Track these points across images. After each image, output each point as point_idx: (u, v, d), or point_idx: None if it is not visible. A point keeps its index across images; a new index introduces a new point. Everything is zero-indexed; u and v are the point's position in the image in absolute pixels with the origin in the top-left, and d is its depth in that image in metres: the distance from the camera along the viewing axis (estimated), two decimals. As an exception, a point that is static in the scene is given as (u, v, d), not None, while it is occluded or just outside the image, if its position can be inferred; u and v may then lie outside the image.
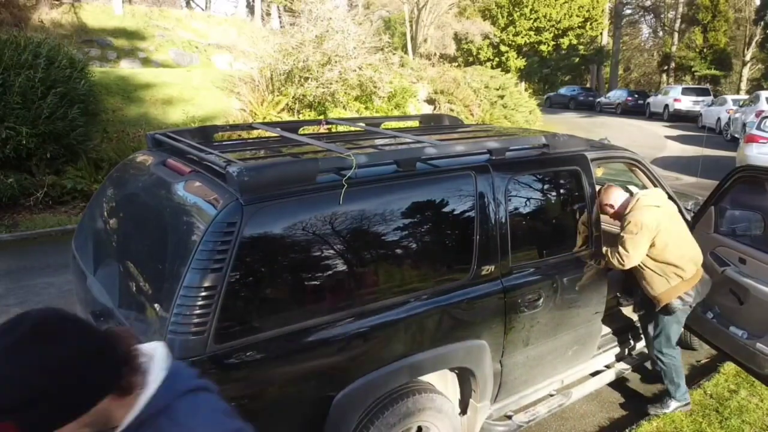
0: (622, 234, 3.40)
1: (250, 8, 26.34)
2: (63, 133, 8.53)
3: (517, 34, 28.88)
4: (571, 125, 21.68)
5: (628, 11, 41.15)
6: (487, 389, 2.98)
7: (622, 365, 3.93)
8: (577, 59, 34.31)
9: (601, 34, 33.75)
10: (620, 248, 3.37)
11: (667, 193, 4.00)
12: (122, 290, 2.54)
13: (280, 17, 22.16)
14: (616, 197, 3.57)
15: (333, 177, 2.46)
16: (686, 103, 25.03)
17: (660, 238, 3.35)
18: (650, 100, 28.37)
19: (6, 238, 7.33)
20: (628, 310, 4.11)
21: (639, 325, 4.01)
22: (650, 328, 3.78)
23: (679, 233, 3.47)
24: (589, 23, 29.85)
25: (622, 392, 4.06)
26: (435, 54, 24.09)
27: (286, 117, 12.19)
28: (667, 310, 3.50)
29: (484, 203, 2.87)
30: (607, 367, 3.88)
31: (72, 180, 8.56)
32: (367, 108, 13.35)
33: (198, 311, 2.08)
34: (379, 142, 3.37)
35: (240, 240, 2.16)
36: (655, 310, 3.57)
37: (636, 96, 30.35)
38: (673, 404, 3.68)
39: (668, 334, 3.58)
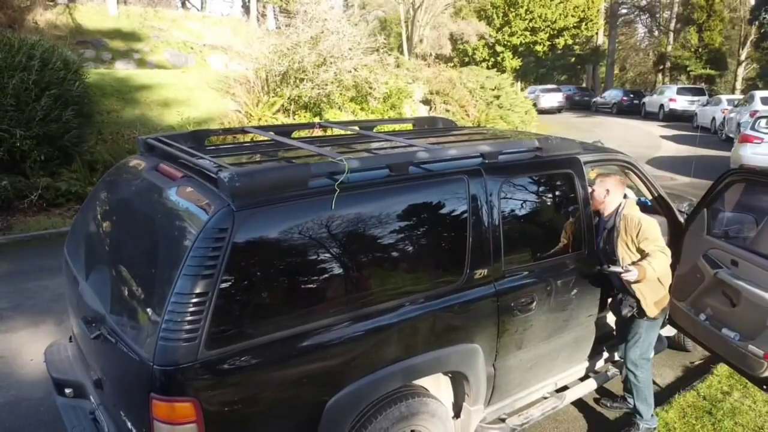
0: (646, 237, 3.23)
1: (246, 9, 26.30)
2: (57, 135, 8.51)
3: (512, 35, 28.87)
4: (566, 125, 21.73)
5: (624, 11, 41.20)
6: (480, 393, 2.99)
7: (615, 368, 3.93)
8: (573, 59, 34.37)
9: (596, 33, 33.80)
10: (657, 250, 3.19)
11: (661, 194, 4.02)
12: (114, 296, 2.53)
13: (275, 18, 22.13)
14: (614, 187, 3.43)
15: (325, 182, 2.46)
16: (682, 103, 25.12)
17: None
18: (646, 99, 28.46)
19: (0, 240, 7.30)
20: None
21: (617, 332, 3.78)
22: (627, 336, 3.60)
23: None
24: (584, 23, 29.87)
25: (616, 394, 4.06)
26: (431, 54, 24.08)
27: (281, 118, 12.19)
28: (652, 318, 3.42)
29: (477, 207, 2.87)
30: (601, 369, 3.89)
31: (66, 182, 8.54)
32: (362, 109, 13.35)
33: (189, 317, 2.08)
34: (371, 145, 3.37)
35: (231, 246, 2.16)
36: (639, 317, 3.41)
37: (631, 96, 30.42)
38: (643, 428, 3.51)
39: (649, 341, 3.47)
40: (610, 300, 3.54)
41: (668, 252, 3.27)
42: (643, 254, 3.24)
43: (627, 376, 3.57)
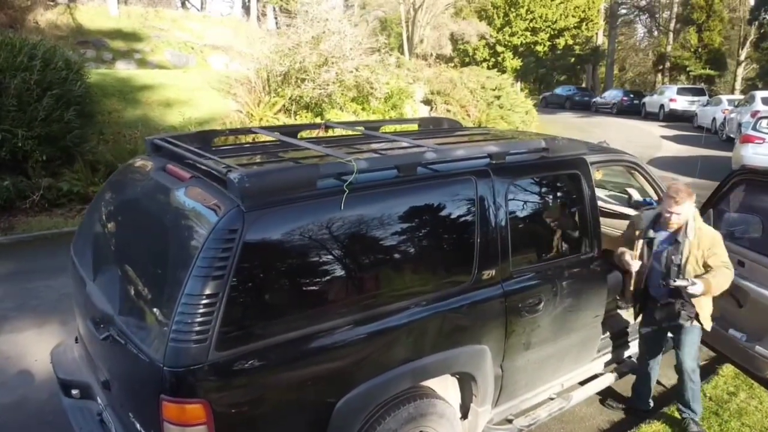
0: (716, 252, 3.27)
1: (246, 9, 26.24)
2: (59, 136, 8.49)
3: (513, 35, 28.86)
4: (566, 125, 21.72)
5: (624, 11, 41.19)
6: (488, 393, 2.98)
7: (621, 369, 3.93)
8: (573, 59, 34.34)
9: (596, 34, 33.79)
10: (723, 266, 3.25)
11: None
12: (123, 297, 2.52)
13: (276, 18, 22.10)
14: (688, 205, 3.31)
15: (334, 182, 2.46)
16: (682, 103, 25.11)
17: None
18: (646, 99, 28.45)
19: (2, 240, 7.29)
20: (627, 313, 4.11)
21: (648, 337, 3.71)
22: (659, 344, 3.70)
23: None
24: (584, 23, 29.86)
25: (622, 395, 4.06)
26: (431, 54, 24.05)
27: (282, 118, 12.18)
28: (696, 325, 3.43)
29: (484, 207, 2.87)
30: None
31: (68, 182, 8.52)
32: (363, 109, 13.34)
33: (200, 319, 2.07)
34: (378, 146, 3.36)
35: (242, 246, 2.16)
36: (686, 323, 3.41)
37: (631, 96, 30.41)
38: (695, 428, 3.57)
39: (696, 350, 3.53)
40: (668, 307, 3.46)
41: (732, 268, 3.28)
42: (707, 268, 3.27)
43: (683, 382, 3.55)
